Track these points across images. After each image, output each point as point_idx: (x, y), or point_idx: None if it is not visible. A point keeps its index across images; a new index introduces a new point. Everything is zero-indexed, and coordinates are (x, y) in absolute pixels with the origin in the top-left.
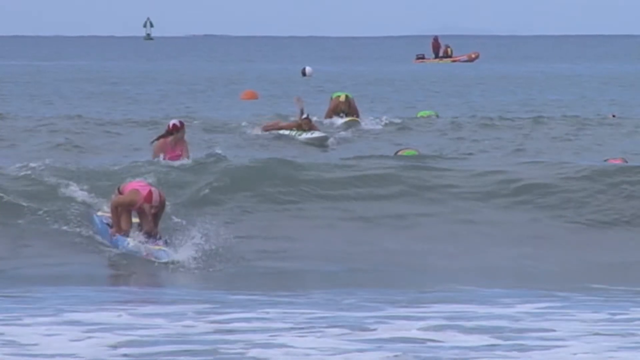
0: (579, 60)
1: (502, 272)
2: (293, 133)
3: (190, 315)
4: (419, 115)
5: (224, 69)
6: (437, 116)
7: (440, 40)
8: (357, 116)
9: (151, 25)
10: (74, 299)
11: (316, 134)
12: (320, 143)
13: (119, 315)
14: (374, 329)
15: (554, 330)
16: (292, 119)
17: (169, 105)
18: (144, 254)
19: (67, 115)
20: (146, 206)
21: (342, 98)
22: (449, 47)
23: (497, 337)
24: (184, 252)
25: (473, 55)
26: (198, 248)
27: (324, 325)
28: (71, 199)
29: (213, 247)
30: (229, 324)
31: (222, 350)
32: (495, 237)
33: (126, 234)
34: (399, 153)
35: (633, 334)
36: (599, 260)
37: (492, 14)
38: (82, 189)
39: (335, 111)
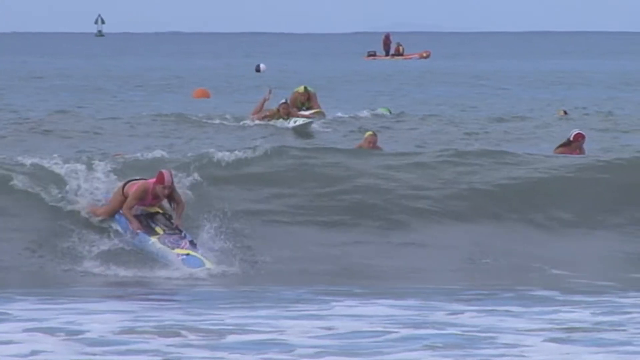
0: (532, 56)
1: (472, 269)
2: (277, 122)
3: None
4: (373, 112)
5: (176, 66)
6: (390, 113)
7: (391, 38)
8: (313, 106)
9: (102, 22)
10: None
11: (300, 122)
12: (305, 129)
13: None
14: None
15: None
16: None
17: (117, 102)
18: (172, 259)
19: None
20: (159, 188)
21: (301, 90)
22: (400, 45)
23: (463, 335)
24: (213, 257)
25: (424, 54)
26: (223, 250)
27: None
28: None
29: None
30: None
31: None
32: (469, 236)
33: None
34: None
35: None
36: (559, 256)
37: (443, 11)
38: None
39: (294, 104)
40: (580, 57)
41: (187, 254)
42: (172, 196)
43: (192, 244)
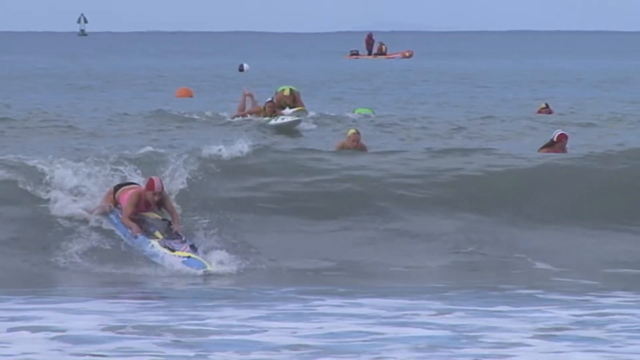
0: (516, 55)
1: (458, 265)
2: (263, 119)
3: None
4: (355, 112)
5: (160, 65)
6: (374, 113)
7: (374, 37)
8: (298, 105)
9: (85, 21)
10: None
11: (287, 119)
12: (292, 127)
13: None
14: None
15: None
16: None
17: (100, 101)
18: (173, 262)
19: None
20: (149, 194)
21: (287, 92)
22: (383, 44)
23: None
24: (214, 259)
25: (407, 54)
26: (225, 252)
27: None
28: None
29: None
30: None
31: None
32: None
33: (147, 234)
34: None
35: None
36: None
37: (426, 11)
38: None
39: (279, 105)
40: (563, 56)
41: (189, 257)
42: (162, 203)
43: (193, 248)
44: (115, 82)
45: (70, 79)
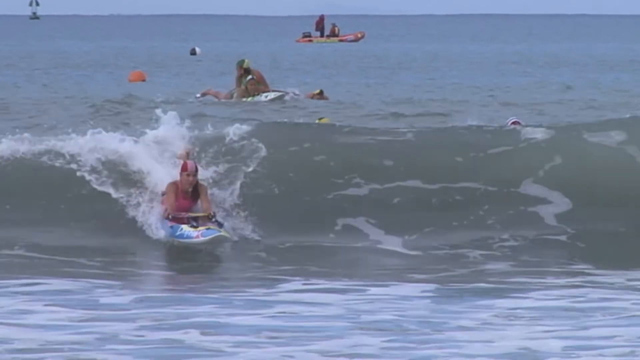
0: (465, 40)
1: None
2: (248, 99)
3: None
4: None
5: (111, 48)
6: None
7: (326, 19)
8: (265, 84)
9: (37, 4)
10: None
11: (271, 95)
12: (279, 102)
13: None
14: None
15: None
16: (232, 89)
17: (51, 87)
18: (194, 236)
19: None
20: (183, 176)
21: (245, 65)
22: (335, 26)
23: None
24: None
25: (359, 35)
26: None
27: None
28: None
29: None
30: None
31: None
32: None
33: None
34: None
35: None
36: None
37: None
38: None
39: (240, 79)
40: (515, 41)
41: (207, 228)
42: (197, 188)
43: (219, 224)
44: (65, 65)
45: (18, 61)
